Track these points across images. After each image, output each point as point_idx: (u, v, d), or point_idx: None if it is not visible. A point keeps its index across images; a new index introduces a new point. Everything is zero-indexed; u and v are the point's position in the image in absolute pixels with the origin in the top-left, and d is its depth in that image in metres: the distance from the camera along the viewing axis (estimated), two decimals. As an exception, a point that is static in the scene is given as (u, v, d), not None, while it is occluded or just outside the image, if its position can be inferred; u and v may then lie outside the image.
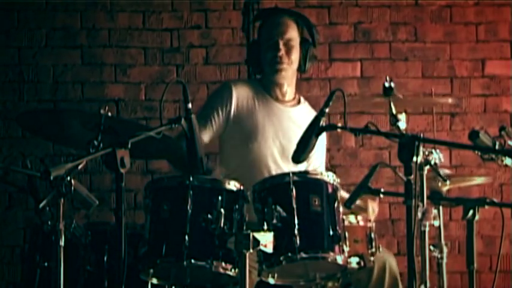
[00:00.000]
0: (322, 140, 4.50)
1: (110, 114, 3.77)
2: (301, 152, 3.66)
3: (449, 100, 4.82)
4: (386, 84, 3.92)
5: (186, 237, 3.56)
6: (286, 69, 4.41)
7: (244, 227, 3.54)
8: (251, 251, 3.47)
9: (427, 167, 3.73)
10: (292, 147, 3.77)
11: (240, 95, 4.43)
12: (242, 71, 5.59)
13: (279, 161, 4.37)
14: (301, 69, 4.45)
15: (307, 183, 3.71)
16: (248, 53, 4.55)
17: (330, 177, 3.71)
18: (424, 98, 5.44)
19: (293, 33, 4.42)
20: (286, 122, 4.43)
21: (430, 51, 5.77)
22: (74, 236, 3.83)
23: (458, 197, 4.14)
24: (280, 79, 4.44)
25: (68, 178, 3.35)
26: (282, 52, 4.37)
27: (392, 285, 4.13)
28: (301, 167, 4.27)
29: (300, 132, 3.72)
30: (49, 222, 3.64)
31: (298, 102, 4.55)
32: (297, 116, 4.46)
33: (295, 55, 4.41)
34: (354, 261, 3.70)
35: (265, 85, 4.49)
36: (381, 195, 3.93)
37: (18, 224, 5.54)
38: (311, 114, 4.48)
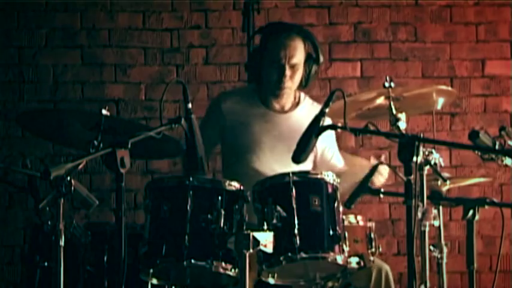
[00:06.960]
0: (330, 133, 4.49)
1: (109, 114, 3.78)
2: (301, 152, 3.65)
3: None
4: (386, 84, 3.91)
5: (186, 237, 3.56)
6: (287, 92, 4.38)
7: (244, 227, 3.54)
8: (251, 251, 3.47)
9: (427, 167, 3.73)
10: None
11: (231, 109, 4.40)
12: (242, 71, 5.58)
13: (279, 171, 4.33)
14: (302, 86, 4.40)
15: (307, 183, 3.71)
16: (249, 60, 4.48)
17: (329, 177, 3.71)
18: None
19: (300, 56, 4.32)
20: (286, 131, 4.36)
21: (430, 51, 5.76)
22: (74, 236, 3.83)
23: (458, 197, 4.14)
24: (280, 97, 4.40)
25: (68, 178, 3.35)
26: (288, 77, 4.32)
27: None
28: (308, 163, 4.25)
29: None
30: (49, 222, 3.64)
31: (298, 103, 4.49)
32: (297, 119, 4.38)
33: (299, 76, 4.35)
34: (353, 261, 3.70)
35: (263, 96, 4.44)
36: (381, 195, 3.94)
37: (18, 224, 5.53)
38: (313, 108, 4.40)
